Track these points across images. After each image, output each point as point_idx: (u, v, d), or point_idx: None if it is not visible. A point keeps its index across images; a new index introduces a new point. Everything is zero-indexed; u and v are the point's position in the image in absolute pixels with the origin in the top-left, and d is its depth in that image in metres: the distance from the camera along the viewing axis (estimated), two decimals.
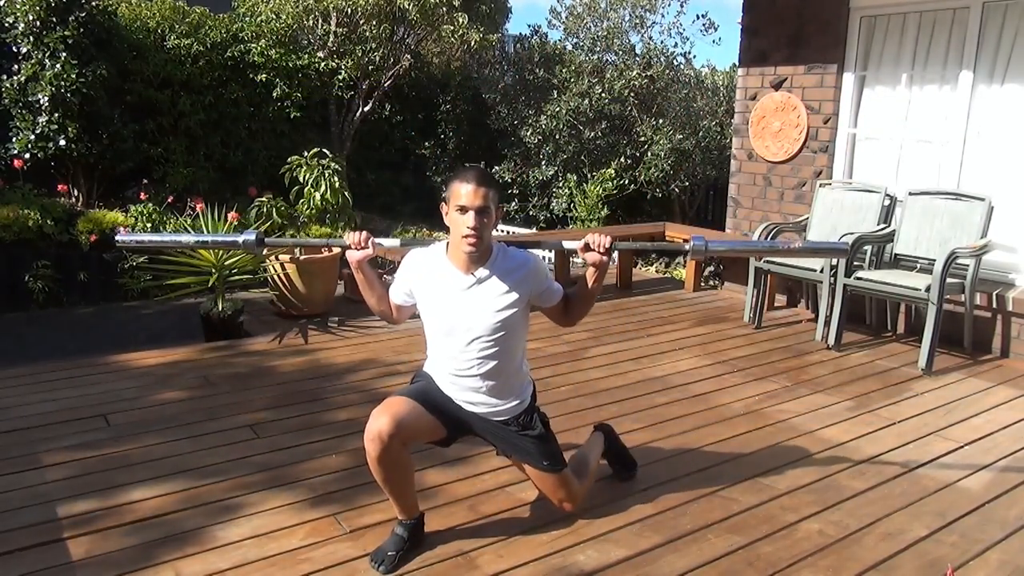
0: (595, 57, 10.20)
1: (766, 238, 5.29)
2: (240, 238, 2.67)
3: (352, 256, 2.55)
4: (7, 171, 6.71)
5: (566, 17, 10.63)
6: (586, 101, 9.57)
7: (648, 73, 9.73)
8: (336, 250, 5.74)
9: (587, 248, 2.46)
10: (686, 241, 2.59)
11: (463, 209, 2.37)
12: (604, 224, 8.85)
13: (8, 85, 6.65)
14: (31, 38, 6.60)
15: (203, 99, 7.94)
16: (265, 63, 8.27)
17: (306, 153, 5.48)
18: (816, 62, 5.58)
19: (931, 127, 5.19)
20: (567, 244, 2.61)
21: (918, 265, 4.94)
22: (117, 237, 2.74)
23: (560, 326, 2.73)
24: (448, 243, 2.51)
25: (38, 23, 6.55)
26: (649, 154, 9.34)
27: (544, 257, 7.75)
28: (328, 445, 3.35)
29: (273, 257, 5.29)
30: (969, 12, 4.91)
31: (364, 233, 2.55)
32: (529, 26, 14.21)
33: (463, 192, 2.36)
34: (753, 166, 6.10)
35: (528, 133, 9.82)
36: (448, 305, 2.50)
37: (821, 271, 4.92)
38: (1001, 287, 4.86)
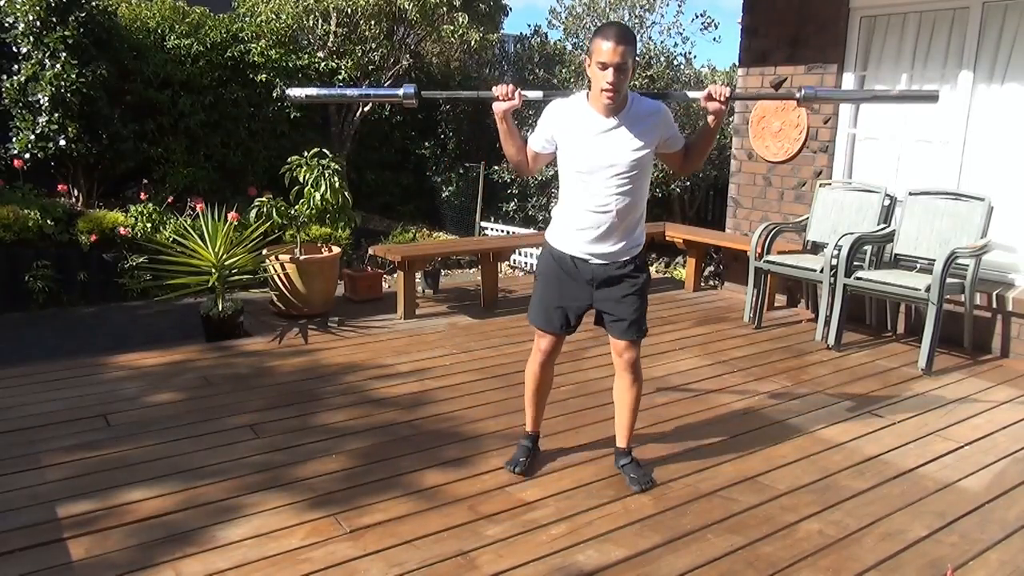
0: None
1: (766, 238, 5.29)
2: (400, 91, 2.93)
3: (499, 107, 2.83)
4: (7, 171, 6.71)
5: (566, 17, 10.64)
6: None
7: (648, 73, 9.73)
8: (336, 250, 5.75)
9: (709, 97, 2.77)
10: (798, 89, 2.90)
11: (603, 65, 2.63)
12: None
13: (8, 85, 6.65)
14: (31, 38, 6.59)
15: (203, 99, 7.93)
16: (265, 63, 8.27)
17: (306, 153, 5.47)
18: (816, 62, 5.58)
19: (931, 127, 5.19)
20: (691, 94, 2.91)
21: (918, 265, 4.94)
22: (288, 92, 2.99)
23: (679, 171, 3.06)
24: (588, 91, 2.81)
25: (38, 23, 6.55)
26: None
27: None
28: (328, 445, 3.35)
29: (273, 257, 5.29)
30: (969, 12, 4.91)
31: (511, 85, 2.82)
32: (529, 26, 14.20)
33: (604, 49, 2.61)
34: (753, 166, 6.10)
35: (528, 132, 9.80)
36: (592, 145, 2.80)
37: (821, 271, 4.91)
38: (1001, 287, 4.86)
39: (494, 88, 2.81)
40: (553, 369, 3.12)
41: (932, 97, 2.92)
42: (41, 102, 6.58)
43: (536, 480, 3.06)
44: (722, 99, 2.76)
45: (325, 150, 5.59)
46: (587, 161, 2.81)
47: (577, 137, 2.82)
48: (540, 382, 3.11)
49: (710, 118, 2.83)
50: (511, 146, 2.94)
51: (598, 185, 2.82)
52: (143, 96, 7.59)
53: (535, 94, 2.95)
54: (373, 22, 8.83)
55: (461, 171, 10.37)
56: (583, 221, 2.88)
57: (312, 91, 3.06)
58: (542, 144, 2.92)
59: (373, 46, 9.03)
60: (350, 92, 3.05)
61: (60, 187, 6.86)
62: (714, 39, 21.11)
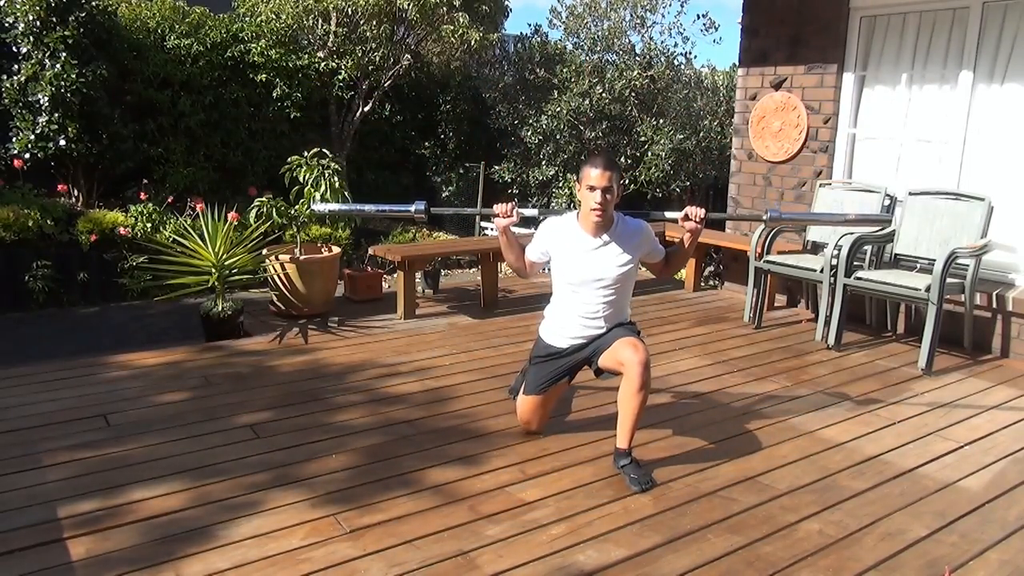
0: (595, 57, 10.20)
1: (766, 238, 5.29)
2: (412, 207, 3.26)
3: (499, 223, 3.17)
4: (7, 171, 6.71)
5: (566, 17, 10.63)
6: (586, 101, 9.57)
7: (649, 73, 9.73)
8: (336, 250, 5.75)
9: (686, 218, 3.09)
10: (765, 212, 3.24)
11: (592, 188, 2.99)
12: None
13: (8, 85, 6.65)
14: (31, 38, 6.60)
15: (203, 99, 7.93)
16: (265, 63, 8.27)
17: (306, 153, 5.46)
18: (816, 62, 5.58)
19: (931, 127, 5.19)
20: (669, 215, 3.23)
21: (918, 265, 4.94)
22: (314, 207, 3.48)
23: (659, 276, 3.44)
24: (578, 213, 3.16)
25: (38, 23, 6.55)
26: (649, 154, 9.34)
27: None
28: (328, 445, 3.35)
29: (273, 257, 5.29)
30: (969, 12, 4.91)
31: (511, 204, 3.15)
32: (530, 25, 14.19)
33: (592, 175, 2.99)
34: (753, 166, 6.10)
35: (528, 133, 9.82)
36: (581, 261, 3.13)
37: (821, 271, 4.91)
38: (1001, 287, 4.86)
39: (495, 207, 3.16)
40: (548, 413, 3.48)
41: (887, 221, 3.36)
42: (41, 102, 6.58)
43: (536, 480, 3.06)
44: (697, 219, 3.08)
45: (325, 150, 5.59)
46: (577, 275, 3.14)
47: (568, 254, 3.15)
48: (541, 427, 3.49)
49: (686, 236, 3.15)
50: (511, 254, 3.27)
51: (587, 295, 3.14)
52: (143, 96, 7.59)
53: (531, 212, 3.33)
54: (373, 22, 8.83)
55: (461, 171, 10.36)
56: (573, 324, 3.21)
57: (335, 207, 3.64)
58: (538, 255, 3.27)
59: (373, 46, 9.03)
60: (367, 208, 3.59)
61: (60, 187, 6.86)
62: (714, 40, 21.14)
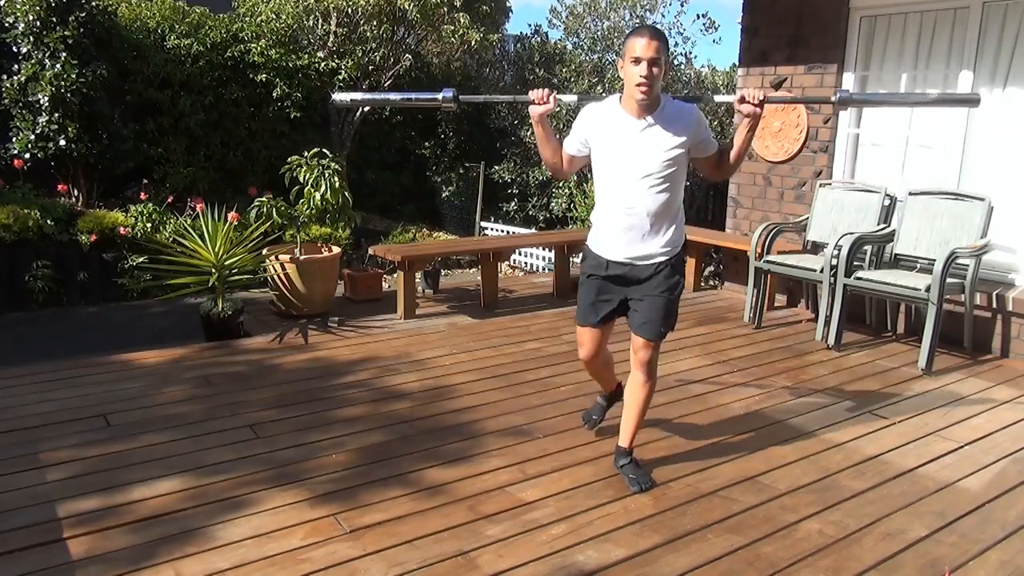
0: (595, 57, 10.21)
1: (766, 238, 5.29)
2: (439, 95, 3.00)
3: (534, 111, 2.86)
4: (7, 171, 6.71)
5: (566, 17, 10.64)
6: None
7: None
8: (336, 250, 5.74)
9: (742, 100, 2.78)
10: (834, 92, 2.87)
11: (637, 60, 2.68)
12: None
13: (8, 85, 6.65)
14: (31, 38, 6.60)
15: (203, 99, 7.94)
16: (265, 63, 8.27)
17: (306, 153, 5.47)
18: (816, 62, 5.58)
19: (932, 130, 5.19)
20: (721, 98, 2.93)
21: (918, 265, 4.94)
22: (334, 96, 3.12)
23: (712, 177, 3.10)
24: (621, 95, 2.84)
25: (38, 23, 6.55)
26: None
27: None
28: (328, 444, 3.35)
29: (273, 257, 5.29)
30: (969, 12, 4.91)
31: (547, 89, 2.85)
32: (529, 25, 14.19)
33: (637, 45, 2.67)
34: (753, 166, 6.10)
35: (528, 133, 9.82)
36: (625, 146, 2.82)
37: (821, 271, 4.91)
38: (1001, 287, 4.86)
39: (530, 92, 2.85)
40: (603, 352, 3.18)
41: (973, 101, 2.86)
42: (41, 102, 6.58)
43: (536, 480, 3.06)
44: (755, 102, 2.75)
45: (325, 150, 5.59)
46: (620, 162, 2.84)
47: (610, 139, 2.85)
48: (593, 368, 3.27)
49: (744, 122, 2.81)
50: (547, 149, 2.99)
51: (632, 186, 2.83)
52: (143, 96, 7.60)
53: (570, 98, 3.01)
54: (373, 22, 8.83)
55: (461, 171, 10.37)
56: (618, 222, 2.90)
57: (357, 95, 3.11)
58: (576, 147, 2.96)
59: (373, 46, 9.03)
60: (393, 96, 3.26)
61: (60, 187, 6.86)
62: (714, 40, 21.20)
